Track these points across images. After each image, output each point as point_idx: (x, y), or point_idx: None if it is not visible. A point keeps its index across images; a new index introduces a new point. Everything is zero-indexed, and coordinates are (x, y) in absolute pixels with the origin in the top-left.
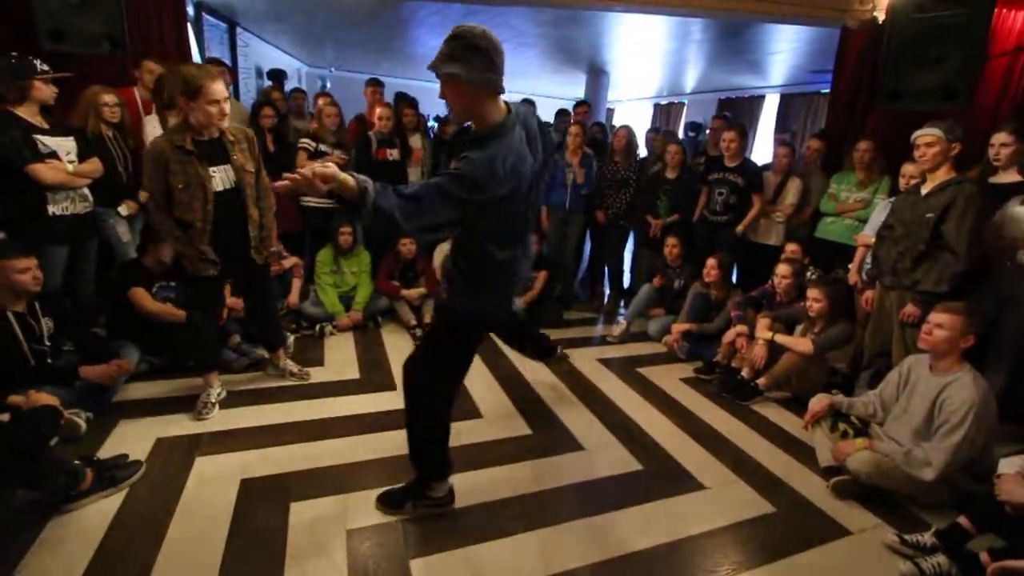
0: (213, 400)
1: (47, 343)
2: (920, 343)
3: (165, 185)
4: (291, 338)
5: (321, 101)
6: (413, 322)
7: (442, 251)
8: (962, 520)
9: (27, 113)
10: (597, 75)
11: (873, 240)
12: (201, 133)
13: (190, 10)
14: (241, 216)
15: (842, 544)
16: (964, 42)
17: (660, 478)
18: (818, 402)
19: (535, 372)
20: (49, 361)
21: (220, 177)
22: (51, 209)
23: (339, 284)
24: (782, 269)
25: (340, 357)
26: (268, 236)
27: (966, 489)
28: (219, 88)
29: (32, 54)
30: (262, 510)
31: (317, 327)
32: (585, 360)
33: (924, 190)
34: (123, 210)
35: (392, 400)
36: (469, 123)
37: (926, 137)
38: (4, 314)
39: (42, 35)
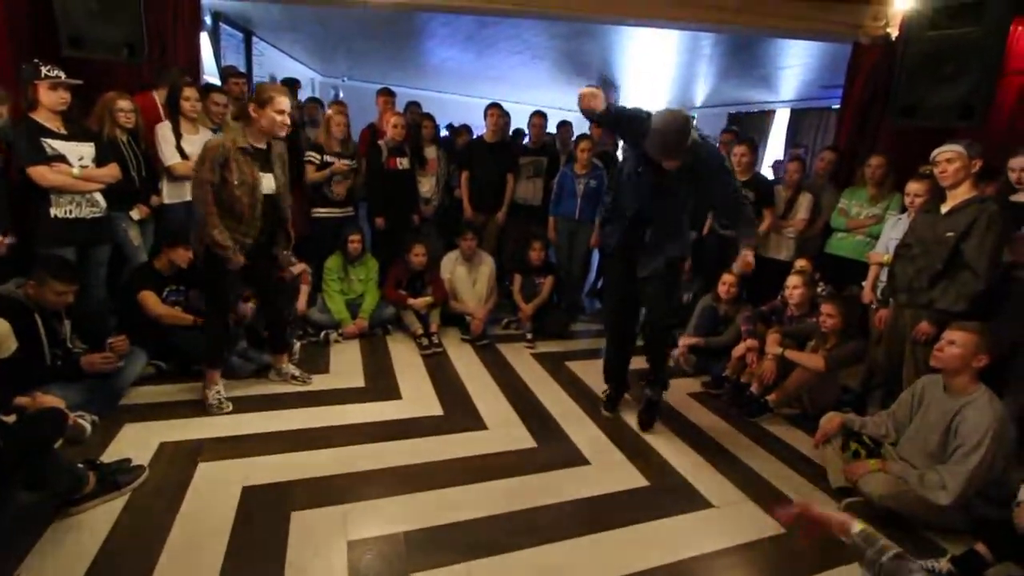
0: (224, 395)
1: (69, 345)
2: (932, 360)
3: (219, 178)
4: (297, 344)
5: (331, 110)
6: (420, 331)
7: (450, 260)
8: (979, 547)
9: (44, 118)
10: (607, 88)
11: (886, 258)
12: (259, 141)
13: (208, 19)
14: (274, 218)
15: (855, 568)
16: (979, 59)
17: (667, 495)
18: (829, 420)
19: (541, 385)
20: (59, 363)
21: (266, 182)
22: (53, 212)
23: (346, 291)
24: (793, 280)
25: (345, 365)
26: (285, 239)
27: (983, 515)
28: (285, 100)
29: (55, 61)
30: (263, 518)
31: (322, 334)
32: (591, 373)
33: (944, 208)
34: (135, 214)
35: (396, 409)
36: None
37: (947, 153)
38: (33, 317)
39: (63, 42)
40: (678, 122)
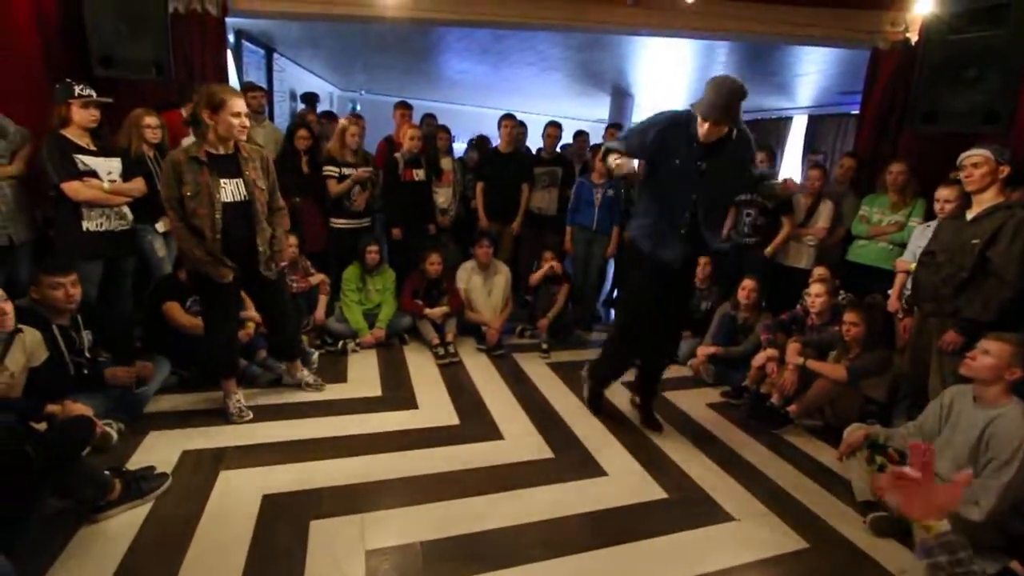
0: (244, 404)
1: (87, 355)
2: (962, 368)
3: (179, 192)
4: (315, 354)
5: (344, 121)
6: (436, 341)
7: (465, 270)
8: (1015, 565)
9: (74, 135)
10: (621, 97)
11: (913, 266)
12: (217, 147)
13: (231, 37)
14: (251, 224)
15: None
16: (1004, 63)
17: (686, 508)
18: (853, 433)
19: (557, 395)
20: (85, 372)
21: (230, 189)
22: (85, 225)
23: (364, 301)
24: (816, 288)
25: (363, 374)
26: (280, 251)
27: (1018, 532)
28: (240, 102)
29: (87, 80)
30: (282, 527)
31: (340, 343)
32: None
33: (970, 215)
34: (160, 226)
35: (413, 418)
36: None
37: (973, 157)
38: (49, 326)
39: (95, 61)
40: (735, 83)
